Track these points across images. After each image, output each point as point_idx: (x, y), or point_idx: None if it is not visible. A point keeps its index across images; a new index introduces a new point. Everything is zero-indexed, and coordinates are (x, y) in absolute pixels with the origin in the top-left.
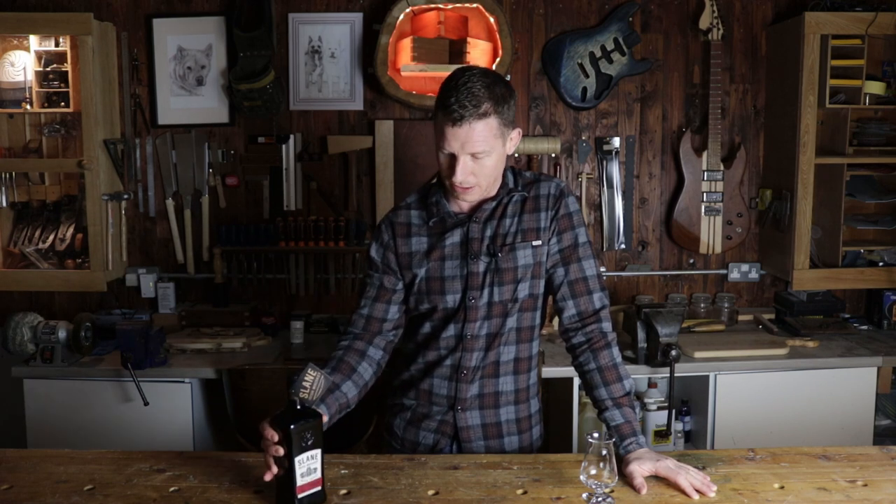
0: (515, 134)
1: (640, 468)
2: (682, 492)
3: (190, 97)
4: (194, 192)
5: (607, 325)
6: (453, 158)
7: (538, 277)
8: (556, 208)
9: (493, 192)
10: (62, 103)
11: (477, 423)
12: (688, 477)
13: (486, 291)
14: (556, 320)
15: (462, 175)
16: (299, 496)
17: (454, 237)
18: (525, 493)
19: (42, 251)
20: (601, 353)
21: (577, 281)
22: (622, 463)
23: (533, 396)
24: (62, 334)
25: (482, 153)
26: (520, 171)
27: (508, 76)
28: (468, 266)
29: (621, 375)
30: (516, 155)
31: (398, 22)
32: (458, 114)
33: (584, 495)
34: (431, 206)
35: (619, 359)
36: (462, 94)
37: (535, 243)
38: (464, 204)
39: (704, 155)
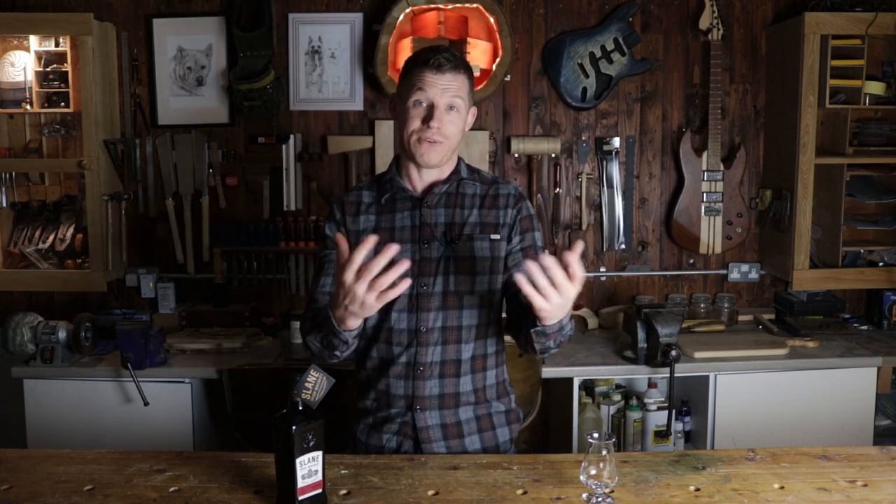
0: (471, 113)
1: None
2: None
3: (190, 97)
4: (194, 192)
5: None
6: (430, 109)
7: (497, 273)
8: (518, 208)
9: (447, 172)
10: (62, 103)
11: (436, 423)
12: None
13: (440, 279)
14: None
15: (437, 122)
16: (300, 498)
17: (404, 220)
18: (525, 493)
19: (42, 251)
20: None
21: None
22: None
23: (493, 398)
24: (62, 334)
25: (456, 106)
26: (477, 168)
27: (508, 76)
28: (420, 251)
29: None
30: (516, 155)
31: (398, 22)
32: (442, 63)
33: (584, 495)
34: (385, 183)
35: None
36: (442, 52)
37: (493, 237)
38: (416, 180)
39: (704, 155)
